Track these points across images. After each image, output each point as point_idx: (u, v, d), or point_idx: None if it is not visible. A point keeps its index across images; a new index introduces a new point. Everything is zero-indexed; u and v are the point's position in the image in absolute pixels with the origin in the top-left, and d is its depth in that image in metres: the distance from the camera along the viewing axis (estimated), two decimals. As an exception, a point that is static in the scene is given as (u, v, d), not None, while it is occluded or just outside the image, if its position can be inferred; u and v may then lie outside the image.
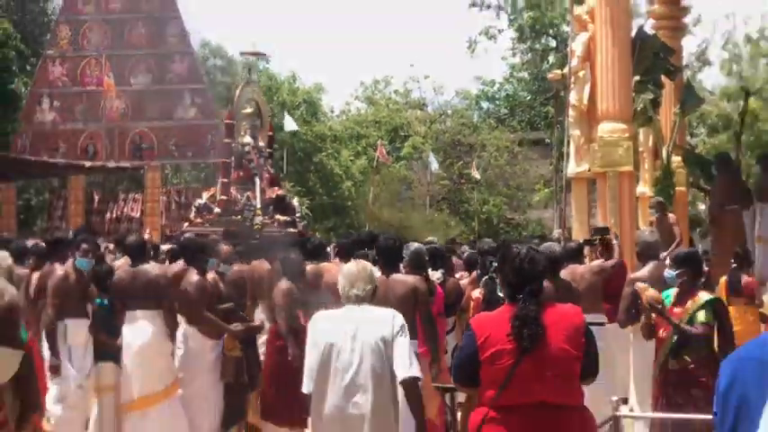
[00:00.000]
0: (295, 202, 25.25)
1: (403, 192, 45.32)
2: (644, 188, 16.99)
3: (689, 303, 7.24)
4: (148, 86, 30.68)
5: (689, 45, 35.52)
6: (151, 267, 8.91)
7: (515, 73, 46.85)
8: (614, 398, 6.22)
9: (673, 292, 7.46)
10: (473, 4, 41.37)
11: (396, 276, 7.84)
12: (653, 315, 7.34)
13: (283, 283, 8.74)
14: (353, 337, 5.59)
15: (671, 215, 14.29)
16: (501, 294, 6.72)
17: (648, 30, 16.03)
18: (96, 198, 31.08)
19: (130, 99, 30.47)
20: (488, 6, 41.41)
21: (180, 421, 8.43)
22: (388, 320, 5.65)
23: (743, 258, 11.57)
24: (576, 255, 10.25)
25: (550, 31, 39.73)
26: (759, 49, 32.49)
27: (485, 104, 52.31)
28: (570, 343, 4.45)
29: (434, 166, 41.70)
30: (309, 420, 5.97)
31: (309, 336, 5.75)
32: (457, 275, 11.09)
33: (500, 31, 41.84)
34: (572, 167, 13.97)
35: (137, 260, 8.76)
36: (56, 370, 8.88)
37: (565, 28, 36.10)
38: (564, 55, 28.66)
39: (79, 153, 30.30)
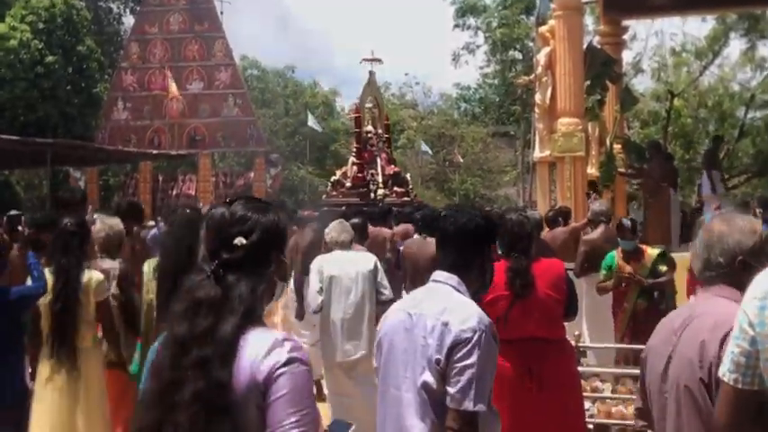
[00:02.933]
0: (408, 177, 25.17)
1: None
2: (591, 169, 16.87)
3: (645, 259, 7.24)
4: (200, 91, 30.52)
5: (627, 56, 35.26)
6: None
7: (488, 80, 46.46)
8: (575, 333, 6.23)
9: (616, 252, 7.45)
10: (456, 26, 41.05)
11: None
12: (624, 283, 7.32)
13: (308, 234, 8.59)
14: (350, 270, 6.43)
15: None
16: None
17: (596, 44, 15.88)
18: (161, 179, 31.05)
19: (187, 101, 30.33)
20: (468, 27, 41.12)
21: None
22: (370, 259, 6.55)
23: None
24: (553, 222, 10.29)
25: (517, 46, 39.44)
26: (681, 59, 32.36)
27: (463, 105, 51.97)
28: (554, 289, 4.43)
29: (428, 152, 41.61)
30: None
31: (315, 269, 6.50)
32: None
33: (478, 47, 41.52)
34: (537, 153, 13.93)
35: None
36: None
37: (529, 43, 35.88)
38: (528, 65, 28.60)
39: (147, 144, 30.18)
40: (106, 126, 30.82)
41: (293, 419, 1.98)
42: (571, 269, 8.54)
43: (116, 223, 5.77)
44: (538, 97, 13.63)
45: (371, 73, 26.05)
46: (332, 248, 6.60)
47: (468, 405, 2.70)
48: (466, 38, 53.88)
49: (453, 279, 2.98)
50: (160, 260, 5.25)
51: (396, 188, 23.12)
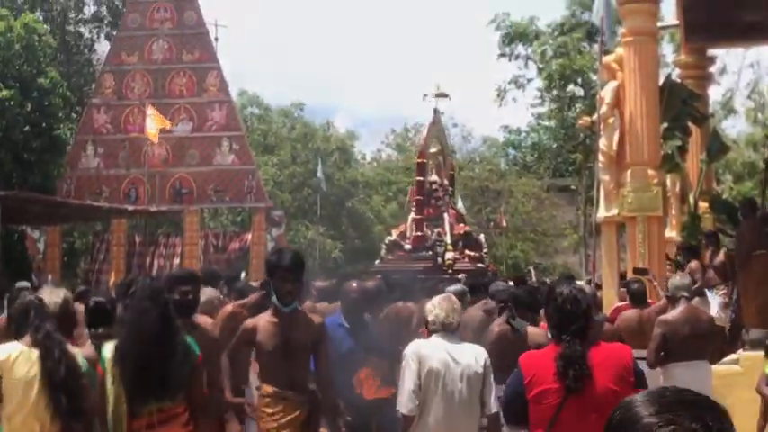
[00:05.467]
0: (481, 238, 25.45)
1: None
2: (671, 233, 16.84)
3: None
4: (189, 133, 30.87)
5: (715, 94, 35.37)
6: None
7: (541, 121, 46.73)
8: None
9: None
10: (502, 55, 41.43)
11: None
12: None
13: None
14: (453, 367, 6.05)
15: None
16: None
17: (676, 78, 15.97)
18: (138, 241, 31.25)
19: (171, 145, 30.66)
20: (517, 57, 41.46)
21: None
22: (481, 355, 6.17)
23: None
24: (641, 297, 10.16)
25: (578, 80, 39.69)
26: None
27: (511, 152, 52.28)
28: (618, 383, 4.37)
29: (461, 209, 41.61)
30: None
31: (410, 360, 6.10)
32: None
33: (529, 81, 41.82)
34: (601, 212, 13.88)
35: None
36: None
37: (592, 76, 36.09)
38: (591, 103, 28.62)
39: (122, 197, 30.46)
40: (72, 175, 31.17)
41: None
42: (642, 358, 8.47)
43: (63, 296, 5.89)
44: (602, 143, 13.65)
45: (436, 111, 26.28)
46: (434, 331, 6.25)
47: None
48: (514, 70, 54.09)
49: None
50: (121, 342, 5.34)
51: (467, 251, 23.22)
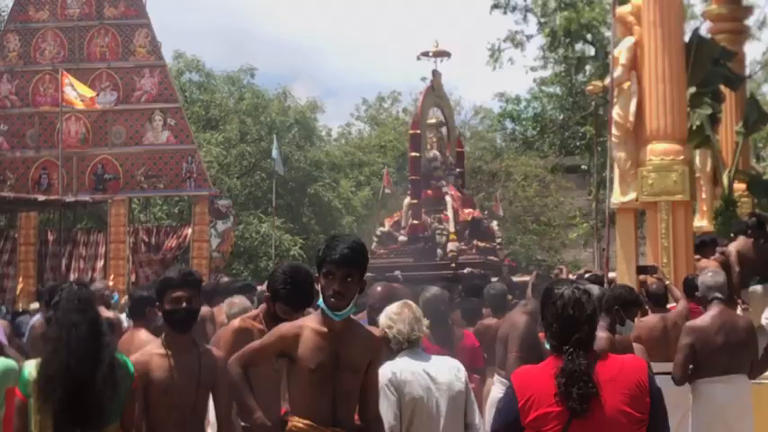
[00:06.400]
0: (494, 225, 25.33)
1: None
2: (701, 221, 16.90)
3: None
4: (112, 106, 30.68)
5: (752, 51, 35.65)
6: None
7: (545, 87, 46.74)
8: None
9: None
10: (496, 6, 41.39)
11: None
12: None
13: None
14: (435, 390, 6.18)
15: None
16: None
17: (705, 33, 16.05)
18: (51, 239, 31.06)
19: (92, 121, 30.49)
20: (514, 8, 41.42)
21: None
22: (459, 369, 6.36)
23: None
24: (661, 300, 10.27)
25: (588, 36, 39.73)
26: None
27: (509, 125, 52.32)
28: (632, 404, 4.38)
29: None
30: None
31: (387, 391, 6.10)
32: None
33: (528, 38, 41.79)
34: (616, 197, 13.93)
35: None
36: None
37: (605, 32, 36.15)
38: (604, 64, 28.63)
39: (31, 185, 30.30)
40: (-32, 159, 31.00)
41: None
42: (667, 372, 8.52)
43: None
44: (617, 112, 13.68)
45: (436, 74, 26.03)
46: (399, 350, 6.31)
47: None
48: (510, 24, 54.21)
49: None
50: (46, 362, 5.32)
51: (476, 241, 23.11)
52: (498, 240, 24.70)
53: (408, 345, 6.23)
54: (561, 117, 46.89)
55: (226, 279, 15.37)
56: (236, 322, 7.16)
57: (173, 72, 38.15)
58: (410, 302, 6.55)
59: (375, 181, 46.59)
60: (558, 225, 45.52)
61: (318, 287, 5.52)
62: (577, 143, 45.36)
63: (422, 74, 51.37)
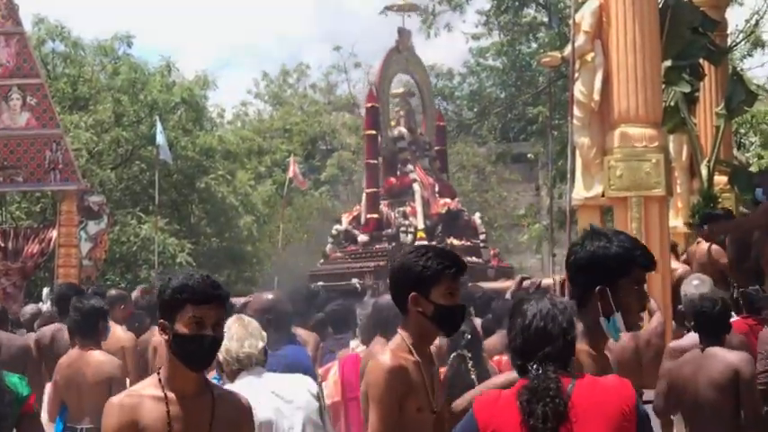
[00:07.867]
0: (476, 218, 24.97)
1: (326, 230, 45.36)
2: (676, 220, 17.00)
3: None
4: (-43, 80, 30.48)
5: (736, 18, 36.02)
6: None
7: (485, 60, 46.94)
8: None
9: None
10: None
11: None
12: None
13: None
14: (288, 411, 6.50)
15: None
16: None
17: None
18: None
19: (-69, 99, 30.26)
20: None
21: None
22: (313, 386, 6.75)
23: None
24: None
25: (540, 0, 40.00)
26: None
27: (441, 104, 52.57)
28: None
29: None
30: None
31: None
32: None
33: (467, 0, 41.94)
34: (578, 191, 14.05)
35: None
36: None
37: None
38: (560, 32, 28.79)
39: None
40: None
41: None
42: (648, 401, 8.67)
43: None
44: (579, 89, 13.82)
45: (402, 33, 25.51)
46: (233, 371, 6.58)
47: None
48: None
49: None
50: None
51: (452, 239, 22.84)
52: (482, 237, 24.49)
53: (239, 364, 6.51)
54: (505, 95, 47.11)
55: (113, 292, 15.28)
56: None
57: (33, 41, 37.80)
58: (243, 317, 6.86)
59: (278, 173, 46.52)
60: (500, 226, 45.64)
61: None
62: (526, 127, 45.61)
63: (339, 42, 51.50)
